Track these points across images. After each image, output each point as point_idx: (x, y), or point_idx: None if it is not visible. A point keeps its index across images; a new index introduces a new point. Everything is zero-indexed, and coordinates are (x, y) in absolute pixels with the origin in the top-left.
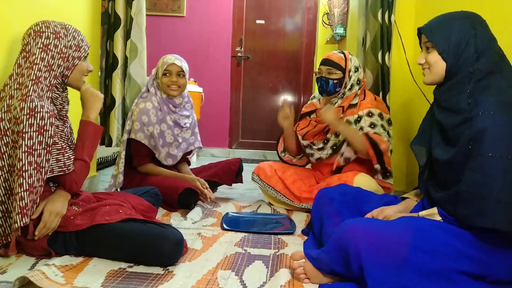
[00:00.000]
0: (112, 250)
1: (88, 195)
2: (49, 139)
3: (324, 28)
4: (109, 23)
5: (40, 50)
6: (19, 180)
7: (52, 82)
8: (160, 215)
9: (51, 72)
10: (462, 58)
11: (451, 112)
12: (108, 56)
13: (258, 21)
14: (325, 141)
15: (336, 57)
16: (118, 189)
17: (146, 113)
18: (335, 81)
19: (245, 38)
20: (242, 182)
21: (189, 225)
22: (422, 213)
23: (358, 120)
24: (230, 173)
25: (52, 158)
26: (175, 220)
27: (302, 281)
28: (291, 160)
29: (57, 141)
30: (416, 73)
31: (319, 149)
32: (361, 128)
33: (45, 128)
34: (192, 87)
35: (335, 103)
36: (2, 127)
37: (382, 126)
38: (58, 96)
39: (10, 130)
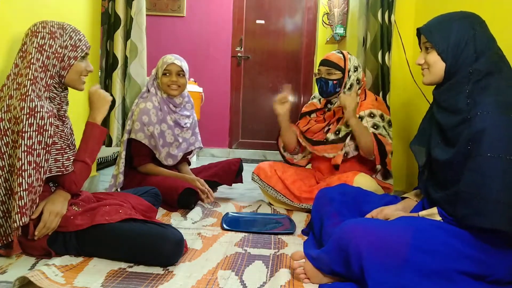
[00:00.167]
0: (112, 250)
1: (88, 195)
2: (48, 139)
3: (324, 28)
4: (109, 23)
5: (36, 50)
6: (18, 180)
7: (48, 82)
8: (160, 215)
9: (47, 72)
10: (461, 59)
11: (450, 112)
12: (108, 56)
13: (258, 21)
14: (325, 140)
15: (335, 57)
16: (118, 189)
17: (147, 113)
18: (334, 82)
19: (245, 38)
20: (242, 182)
21: (189, 225)
22: (422, 213)
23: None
24: (230, 173)
25: (51, 158)
26: (175, 220)
27: (302, 281)
28: (292, 160)
29: (56, 141)
30: (416, 73)
31: (314, 143)
32: None
33: (44, 128)
34: (192, 87)
35: (335, 103)
36: (2, 127)
37: (383, 127)
38: (56, 96)
39: (10, 130)
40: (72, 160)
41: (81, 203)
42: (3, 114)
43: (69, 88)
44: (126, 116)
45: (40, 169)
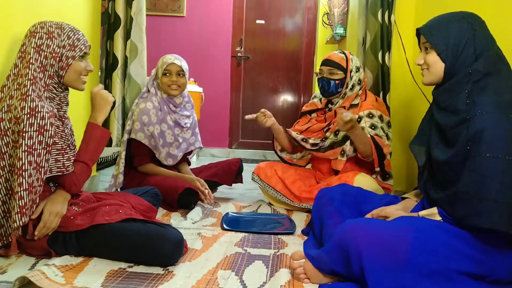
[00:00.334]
0: (112, 250)
1: (88, 195)
2: (49, 139)
3: (324, 28)
4: (109, 23)
5: (34, 50)
6: (18, 180)
7: (47, 82)
8: (160, 215)
9: (45, 72)
10: (460, 59)
11: (450, 113)
12: (108, 56)
13: (258, 21)
14: (323, 139)
15: (337, 57)
16: (118, 189)
17: (147, 113)
18: (336, 82)
19: (245, 38)
20: (242, 182)
21: (189, 225)
22: (422, 213)
23: (358, 121)
24: (230, 173)
25: (51, 158)
26: (175, 220)
27: (302, 281)
28: (292, 160)
29: (57, 141)
30: (416, 73)
31: (313, 145)
32: (362, 129)
33: (45, 128)
34: (192, 87)
35: (336, 103)
36: (2, 127)
37: (382, 128)
38: (55, 96)
39: (10, 130)
40: (72, 161)
41: (81, 203)
42: (3, 114)
43: (70, 88)
44: (126, 116)
45: (40, 169)
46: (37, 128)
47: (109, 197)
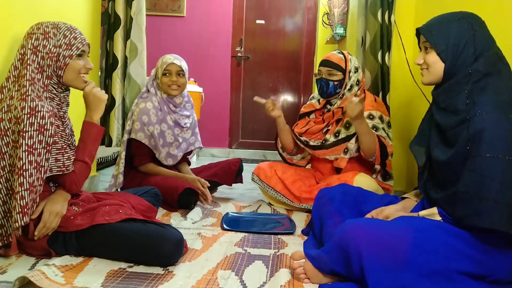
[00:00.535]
0: (112, 250)
1: (88, 195)
2: (49, 139)
3: (324, 28)
4: (109, 23)
5: (31, 51)
6: (19, 179)
7: (46, 83)
8: (160, 215)
9: (43, 73)
10: (460, 59)
11: (449, 113)
12: (108, 56)
13: (258, 21)
14: (323, 141)
15: (336, 58)
16: (119, 189)
17: (146, 113)
18: (335, 83)
19: (245, 38)
20: (242, 182)
21: (189, 225)
22: (422, 213)
23: None
24: (230, 173)
25: (51, 158)
26: (175, 220)
27: (302, 281)
28: (292, 160)
29: (57, 140)
30: (416, 73)
31: (314, 148)
32: None
33: (45, 127)
34: (192, 87)
35: (335, 104)
36: (2, 127)
37: (383, 129)
38: (55, 96)
39: (10, 130)
40: (72, 160)
41: (81, 203)
42: (3, 114)
43: (71, 88)
44: (126, 116)
45: (40, 169)
46: (37, 128)
47: (109, 197)
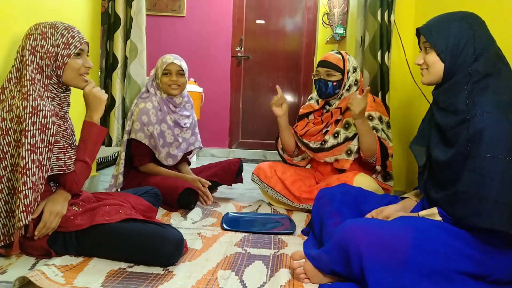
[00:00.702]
0: (112, 250)
1: (88, 195)
2: (51, 138)
3: (324, 28)
4: (109, 23)
5: (29, 52)
6: (22, 178)
7: (46, 83)
8: (160, 215)
9: (42, 73)
10: (460, 59)
11: (450, 113)
12: (108, 56)
13: (258, 21)
14: (323, 142)
15: (334, 58)
16: (119, 190)
17: (146, 113)
18: (334, 83)
19: (245, 38)
20: (242, 182)
21: (189, 225)
22: (422, 213)
23: None
24: (230, 173)
25: (53, 157)
26: (175, 220)
27: (302, 281)
28: (292, 160)
29: (58, 139)
30: (416, 73)
31: (315, 150)
32: None
33: (47, 126)
34: (192, 87)
35: (333, 104)
36: (4, 127)
37: (382, 130)
38: (55, 96)
39: (12, 130)
40: (73, 160)
41: (81, 203)
42: (5, 114)
43: (71, 88)
44: (126, 116)
45: (42, 168)
46: (39, 127)
47: (109, 197)
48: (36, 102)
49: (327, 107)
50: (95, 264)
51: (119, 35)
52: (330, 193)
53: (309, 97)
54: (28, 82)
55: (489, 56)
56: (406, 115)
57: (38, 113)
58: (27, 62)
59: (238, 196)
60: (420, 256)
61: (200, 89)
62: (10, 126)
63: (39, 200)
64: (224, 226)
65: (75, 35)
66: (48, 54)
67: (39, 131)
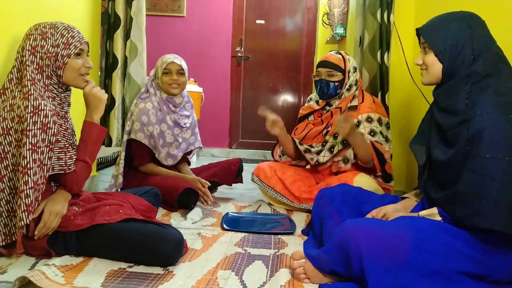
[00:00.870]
0: (112, 250)
1: (88, 195)
2: (52, 137)
3: (324, 28)
4: (109, 23)
5: (29, 52)
6: (24, 178)
7: (46, 83)
8: (160, 215)
9: (43, 73)
10: (458, 60)
11: (449, 113)
12: (108, 56)
13: (258, 21)
14: (323, 143)
15: (334, 58)
16: (119, 190)
17: (146, 113)
18: (336, 83)
19: (245, 38)
20: (242, 182)
21: (189, 225)
22: (422, 213)
23: (357, 125)
24: (230, 173)
25: (54, 156)
26: (175, 220)
27: (302, 281)
28: (290, 162)
29: (59, 139)
30: (415, 73)
31: (317, 152)
32: (361, 135)
33: (48, 126)
34: (192, 87)
35: (333, 104)
36: (5, 126)
37: (381, 132)
38: (56, 96)
39: (13, 129)
40: (74, 159)
41: (81, 203)
42: (6, 114)
43: (72, 88)
44: (126, 116)
45: (43, 167)
46: (41, 126)
47: (109, 197)
48: (37, 101)
49: (327, 107)
50: (95, 264)
51: (119, 35)
52: (330, 193)
53: (308, 98)
54: (29, 82)
55: (489, 56)
56: (405, 115)
57: (39, 112)
58: (27, 63)
59: (238, 196)
60: (420, 256)
61: (200, 89)
62: (11, 125)
63: (39, 199)
64: (224, 226)
65: (75, 35)
66: (48, 54)
67: (40, 130)
